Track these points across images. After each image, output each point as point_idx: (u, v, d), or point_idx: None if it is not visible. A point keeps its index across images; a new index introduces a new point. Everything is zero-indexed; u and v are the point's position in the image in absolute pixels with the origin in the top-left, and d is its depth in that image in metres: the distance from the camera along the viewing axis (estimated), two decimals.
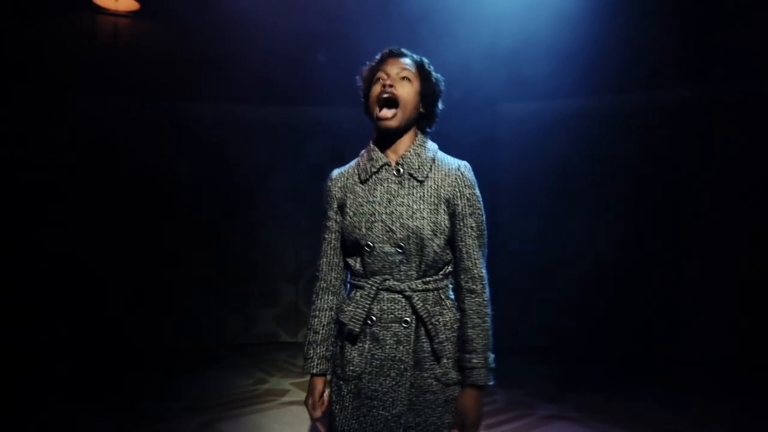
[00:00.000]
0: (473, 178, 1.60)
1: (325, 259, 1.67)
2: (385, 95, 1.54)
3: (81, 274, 5.14)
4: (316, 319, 1.65)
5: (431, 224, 1.52)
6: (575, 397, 4.12)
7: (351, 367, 1.56)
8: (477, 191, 1.59)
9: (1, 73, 4.67)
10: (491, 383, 1.52)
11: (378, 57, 1.65)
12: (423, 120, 1.66)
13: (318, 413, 1.62)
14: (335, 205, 1.65)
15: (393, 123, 1.55)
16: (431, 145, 1.64)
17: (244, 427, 3.49)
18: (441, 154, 1.64)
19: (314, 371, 1.63)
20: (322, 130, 5.60)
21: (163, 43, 5.60)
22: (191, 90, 5.63)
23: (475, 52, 5.03)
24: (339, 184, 1.65)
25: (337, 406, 1.58)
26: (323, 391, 1.64)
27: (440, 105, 1.69)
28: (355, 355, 1.56)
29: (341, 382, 1.58)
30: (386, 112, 1.55)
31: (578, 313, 5.45)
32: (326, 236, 1.67)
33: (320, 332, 1.64)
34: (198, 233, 5.56)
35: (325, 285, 1.67)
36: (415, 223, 1.51)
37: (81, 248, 5.18)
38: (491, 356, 1.53)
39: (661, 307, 5.18)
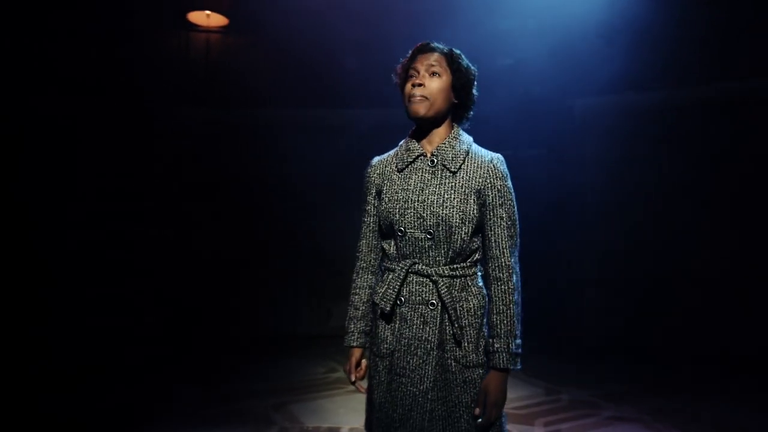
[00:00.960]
0: (506, 170, 1.66)
1: (364, 241, 1.80)
2: (414, 94, 1.63)
3: (179, 268, 5.69)
4: (356, 297, 1.79)
5: (460, 213, 1.60)
6: (649, 400, 4.01)
7: (385, 345, 1.68)
8: (509, 183, 1.65)
9: (105, 88, 5.27)
10: (514, 368, 1.57)
11: (409, 54, 1.72)
12: (458, 110, 1.73)
13: (353, 377, 1.78)
14: (374, 191, 1.76)
15: (421, 112, 1.63)
16: (466, 138, 1.71)
17: (312, 410, 3.77)
18: (475, 147, 1.71)
19: (354, 344, 1.76)
20: (394, 131, 5.77)
21: (250, 54, 6.05)
22: (276, 97, 6.04)
23: (547, 46, 5.00)
24: (378, 171, 1.77)
25: (374, 381, 1.71)
26: (360, 360, 1.78)
27: (475, 92, 1.74)
28: (388, 334, 1.68)
29: (377, 359, 1.71)
30: (415, 104, 1.64)
31: (662, 313, 5.25)
32: (365, 219, 1.79)
33: (360, 308, 1.78)
34: (281, 232, 5.95)
35: (364, 265, 1.80)
36: (444, 212, 1.59)
37: (179, 245, 5.74)
38: (515, 342, 1.58)
39: (751, 309, 4.86)
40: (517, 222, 1.66)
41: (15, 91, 4.71)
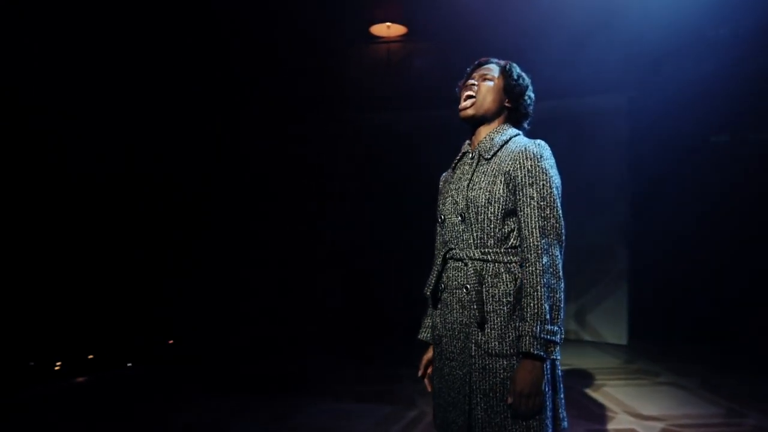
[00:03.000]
0: (540, 152, 1.61)
1: (436, 244, 1.93)
2: (466, 92, 1.74)
3: (360, 261, 6.27)
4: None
5: (486, 193, 1.62)
6: None
7: (436, 332, 1.77)
8: (543, 164, 1.59)
9: (297, 99, 6.04)
10: (546, 356, 1.49)
11: (469, 69, 1.84)
12: (512, 113, 1.78)
13: (420, 372, 1.88)
14: (439, 198, 1.89)
15: (469, 111, 1.72)
16: (510, 132, 1.73)
17: None
18: (519, 138, 1.71)
19: (420, 337, 1.89)
20: (564, 123, 5.56)
21: (429, 59, 6.37)
22: (450, 98, 6.24)
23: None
24: (442, 180, 1.92)
25: (433, 367, 1.81)
26: (430, 356, 1.88)
27: (527, 100, 1.77)
28: (438, 320, 1.76)
29: (435, 346, 1.80)
30: (464, 103, 1.74)
31: None
32: (437, 226, 1.93)
33: (434, 301, 1.86)
34: None
35: (442, 260, 1.91)
36: (473, 193, 1.64)
37: (369, 239, 6.30)
38: (543, 326, 1.50)
39: None
40: (555, 204, 1.57)
41: (220, 104, 5.68)
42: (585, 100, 5.47)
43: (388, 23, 6.11)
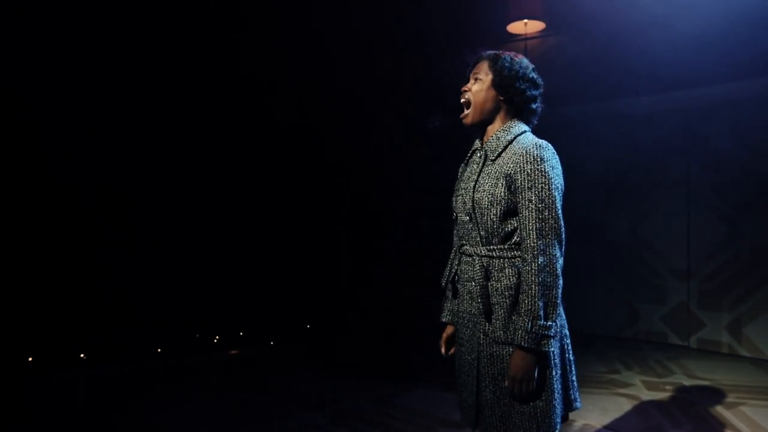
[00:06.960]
0: (542, 154, 1.64)
1: (455, 231, 2.02)
2: (461, 100, 1.84)
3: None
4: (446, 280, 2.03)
5: (489, 196, 1.70)
6: None
7: (455, 318, 1.92)
8: (542, 167, 1.63)
9: (433, 99, 6.24)
10: (535, 347, 1.58)
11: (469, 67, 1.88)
12: (510, 105, 1.79)
13: (443, 350, 2.00)
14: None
15: (468, 120, 1.82)
16: (516, 129, 1.76)
17: None
18: (524, 137, 1.74)
19: (444, 320, 2.01)
20: (719, 113, 4.97)
21: (568, 52, 6.17)
22: (589, 92, 5.98)
23: None
24: (460, 169, 2.00)
25: (455, 349, 1.96)
26: (450, 335, 1.99)
27: (521, 85, 1.75)
28: (456, 308, 1.91)
29: (455, 330, 1.94)
30: (463, 113, 1.84)
31: None
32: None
33: (452, 290, 1.98)
34: (586, 226, 5.78)
35: (454, 254, 2.02)
36: (477, 195, 1.73)
37: None
38: (536, 322, 1.58)
39: None
40: (554, 205, 1.62)
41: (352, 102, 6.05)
42: (743, 84, 4.84)
43: (525, 20, 6.06)
